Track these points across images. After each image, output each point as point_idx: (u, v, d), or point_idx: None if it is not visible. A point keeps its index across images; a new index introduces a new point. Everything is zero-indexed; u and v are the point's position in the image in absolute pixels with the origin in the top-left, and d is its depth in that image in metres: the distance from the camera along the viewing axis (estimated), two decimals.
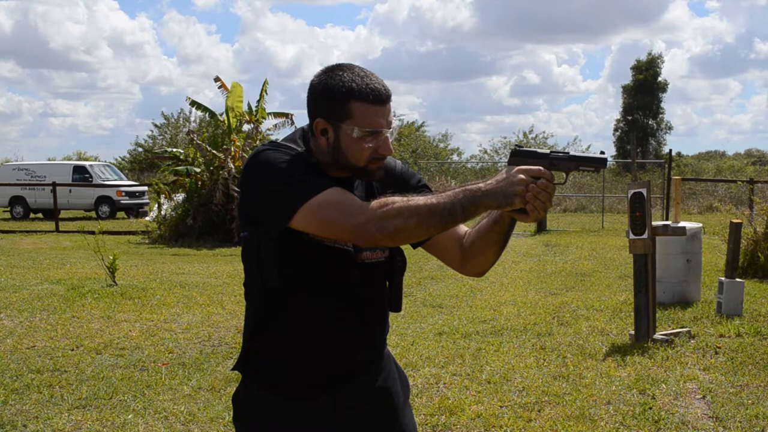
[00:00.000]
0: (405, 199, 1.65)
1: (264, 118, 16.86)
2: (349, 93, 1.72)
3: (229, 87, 16.78)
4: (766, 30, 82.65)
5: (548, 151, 1.74)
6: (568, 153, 1.74)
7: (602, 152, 1.76)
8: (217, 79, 17.08)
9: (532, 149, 1.74)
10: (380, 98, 1.75)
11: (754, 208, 11.03)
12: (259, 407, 1.88)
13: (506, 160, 1.75)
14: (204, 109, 17.10)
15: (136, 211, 24.12)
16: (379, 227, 1.63)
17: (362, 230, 1.64)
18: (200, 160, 15.83)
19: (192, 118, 40.78)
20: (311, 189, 1.68)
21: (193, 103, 17.05)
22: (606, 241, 14.45)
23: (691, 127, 78.88)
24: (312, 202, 1.66)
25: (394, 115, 1.84)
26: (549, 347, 5.93)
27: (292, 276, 1.78)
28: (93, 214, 24.11)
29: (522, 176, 1.64)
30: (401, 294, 1.96)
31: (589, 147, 41.73)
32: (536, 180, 1.64)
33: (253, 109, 16.82)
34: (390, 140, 1.79)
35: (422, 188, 1.93)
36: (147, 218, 19.59)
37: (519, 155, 1.73)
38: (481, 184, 1.66)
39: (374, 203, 1.66)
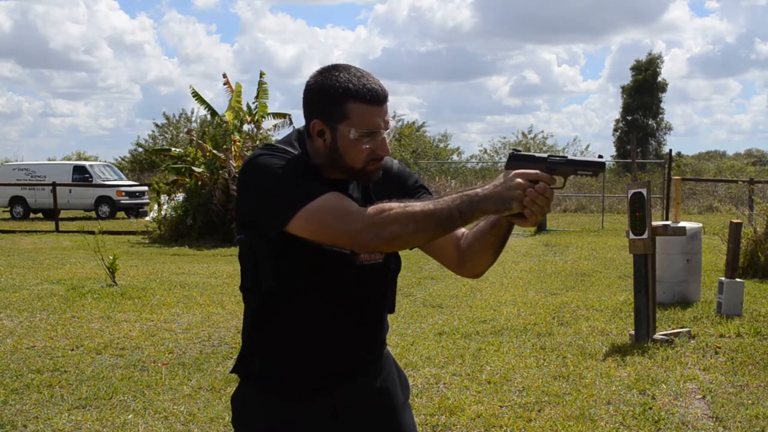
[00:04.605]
0: (402, 205, 1.64)
1: (264, 115, 16.85)
2: (346, 93, 1.72)
3: (233, 86, 16.80)
4: (766, 30, 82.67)
5: (546, 155, 1.73)
6: (566, 157, 1.73)
7: (600, 156, 1.75)
8: (224, 76, 17.08)
9: (530, 153, 1.73)
10: (377, 98, 1.74)
11: (754, 208, 11.04)
12: (257, 408, 1.88)
13: (506, 161, 1.74)
14: (205, 103, 17.07)
15: (136, 211, 24.12)
16: (376, 234, 1.63)
17: (359, 237, 1.64)
18: (201, 159, 15.83)
19: (193, 118, 41.10)
20: (308, 194, 1.67)
21: (195, 94, 17.03)
22: (606, 241, 14.45)
23: (691, 127, 78.96)
24: (308, 208, 1.66)
25: (393, 116, 1.84)
26: (549, 347, 5.93)
27: (289, 278, 1.78)
28: (93, 214, 24.11)
29: (520, 180, 1.63)
30: (395, 295, 1.96)
31: (588, 147, 41.74)
32: (534, 184, 1.63)
33: (252, 107, 16.81)
34: (387, 141, 1.78)
35: (419, 188, 1.93)
36: (147, 218, 19.59)
37: (517, 159, 1.72)
38: (478, 189, 1.65)
39: (371, 209, 1.65)
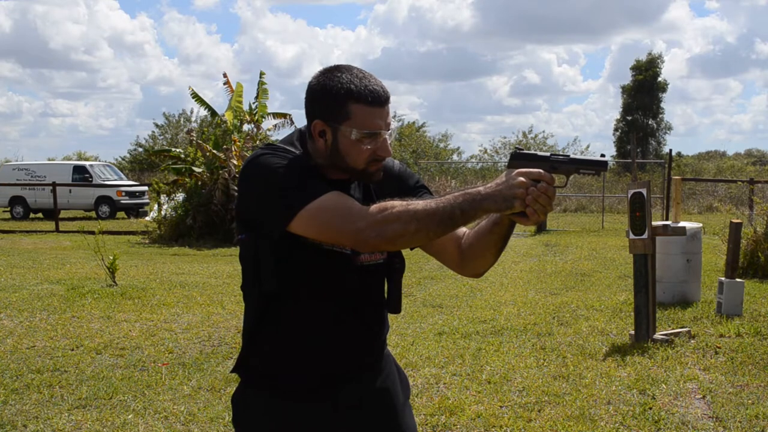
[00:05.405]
0: (404, 203, 1.64)
1: (264, 115, 16.85)
2: (348, 94, 1.72)
3: (233, 86, 16.81)
4: (766, 30, 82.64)
5: (548, 154, 1.72)
6: (568, 156, 1.72)
7: (602, 155, 1.75)
8: (225, 75, 17.12)
9: (532, 152, 1.73)
10: (379, 100, 1.74)
11: (754, 208, 11.03)
12: (258, 409, 1.88)
13: (506, 161, 1.74)
14: (203, 103, 17.09)
15: (136, 211, 24.13)
16: (378, 232, 1.63)
17: (362, 235, 1.64)
18: (201, 159, 15.84)
19: (193, 118, 41.10)
20: (310, 194, 1.67)
21: (194, 95, 17.05)
22: (606, 241, 14.45)
23: (691, 127, 78.88)
24: (310, 207, 1.66)
25: (393, 117, 1.84)
26: (549, 347, 5.93)
27: (290, 279, 1.78)
28: (93, 214, 24.11)
29: (522, 179, 1.62)
30: (400, 295, 1.96)
31: (588, 147, 41.74)
32: (536, 183, 1.63)
33: (253, 107, 16.82)
34: (389, 142, 1.78)
35: (420, 188, 1.93)
36: (147, 218, 19.60)
37: (519, 158, 1.72)
38: (480, 188, 1.64)
39: (373, 208, 1.65)
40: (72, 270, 10.67)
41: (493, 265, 1.89)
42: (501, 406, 4.55)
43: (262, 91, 16.98)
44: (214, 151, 15.52)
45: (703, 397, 4.70)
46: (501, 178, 1.66)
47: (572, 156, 1.72)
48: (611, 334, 6.41)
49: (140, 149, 42.61)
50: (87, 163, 26.03)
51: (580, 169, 1.72)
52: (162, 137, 43.06)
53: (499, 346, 5.96)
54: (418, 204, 1.64)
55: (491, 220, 1.79)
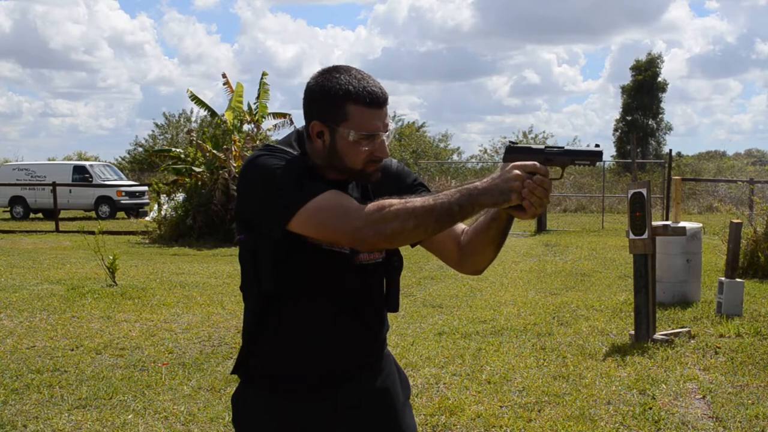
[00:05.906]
0: (402, 201, 1.65)
1: (265, 115, 16.85)
2: (346, 95, 1.72)
3: (233, 86, 16.82)
4: (766, 30, 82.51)
5: (543, 147, 1.73)
6: (563, 147, 1.73)
7: (597, 145, 1.75)
8: (224, 76, 17.12)
9: (527, 145, 1.73)
10: (377, 101, 1.74)
11: (754, 208, 11.04)
12: (258, 408, 1.88)
13: (503, 154, 1.75)
14: (203, 104, 17.09)
15: (136, 211, 24.14)
16: (376, 231, 1.63)
17: (360, 234, 1.64)
18: (201, 159, 15.84)
19: (193, 118, 41.12)
20: (307, 193, 1.67)
21: (193, 97, 17.05)
22: (606, 241, 14.46)
23: (691, 127, 78.77)
24: (309, 207, 1.66)
25: (393, 117, 1.84)
26: (549, 347, 5.93)
27: (289, 279, 1.78)
28: (93, 214, 24.11)
29: (517, 172, 1.62)
30: (398, 294, 1.96)
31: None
32: (532, 176, 1.63)
33: (253, 107, 16.82)
34: (386, 143, 1.79)
35: (418, 186, 1.93)
36: (147, 218, 19.60)
37: (514, 152, 1.72)
38: (477, 183, 1.65)
39: (371, 206, 1.65)
40: (72, 270, 10.67)
41: (492, 261, 1.89)
42: (501, 406, 4.55)
43: (263, 92, 16.98)
44: (214, 151, 15.52)
45: (703, 397, 4.70)
46: (497, 173, 1.66)
47: (567, 147, 1.72)
48: (611, 334, 6.41)
49: (140, 149, 42.61)
50: (87, 163, 26.04)
51: (576, 160, 1.72)
52: (162, 137, 43.07)
53: (499, 346, 5.96)
54: (415, 201, 1.64)
55: (489, 216, 1.79)
